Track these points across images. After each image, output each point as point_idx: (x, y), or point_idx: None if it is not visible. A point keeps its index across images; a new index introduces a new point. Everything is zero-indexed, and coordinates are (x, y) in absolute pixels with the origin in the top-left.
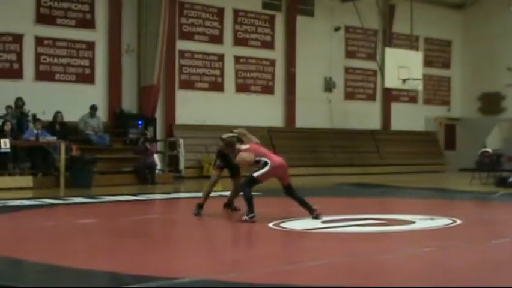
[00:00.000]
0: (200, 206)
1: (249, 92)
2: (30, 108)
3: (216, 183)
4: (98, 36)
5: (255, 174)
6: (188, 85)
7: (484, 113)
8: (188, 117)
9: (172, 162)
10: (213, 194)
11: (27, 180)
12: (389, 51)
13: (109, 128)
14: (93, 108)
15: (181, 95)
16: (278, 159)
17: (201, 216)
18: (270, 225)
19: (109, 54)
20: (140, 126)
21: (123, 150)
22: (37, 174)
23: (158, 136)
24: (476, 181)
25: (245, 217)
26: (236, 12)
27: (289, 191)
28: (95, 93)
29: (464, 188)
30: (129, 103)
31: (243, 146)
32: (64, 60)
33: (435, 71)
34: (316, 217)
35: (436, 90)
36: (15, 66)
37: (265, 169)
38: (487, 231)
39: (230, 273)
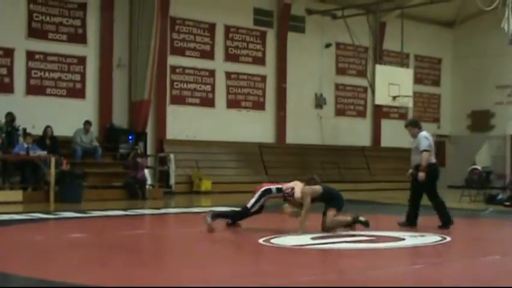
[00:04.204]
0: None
1: (239, 107)
2: (20, 122)
3: None
4: (90, 51)
5: None
6: (179, 100)
7: (474, 131)
8: (179, 132)
9: (162, 177)
10: (203, 209)
11: (17, 195)
12: (379, 68)
13: (100, 142)
14: (87, 123)
15: (172, 110)
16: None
17: (191, 232)
18: (260, 241)
19: (100, 69)
20: (130, 141)
21: (113, 164)
22: (27, 189)
23: (149, 151)
24: (466, 198)
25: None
26: (227, 28)
27: None
28: (86, 108)
29: (454, 205)
30: (120, 118)
31: None
32: (55, 75)
33: (425, 88)
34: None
35: (426, 108)
36: (6, 80)
37: None
38: (476, 248)
39: None
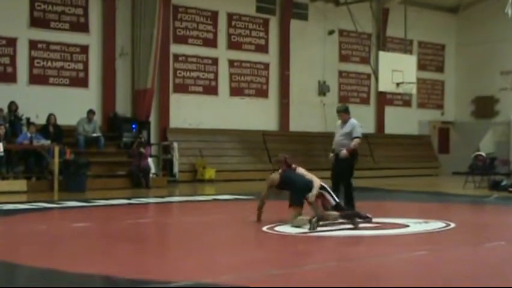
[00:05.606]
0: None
1: (243, 95)
2: (23, 112)
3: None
4: (92, 39)
5: None
6: (182, 89)
7: (478, 117)
8: (183, 120)
9: (166, 165)
10: (207, 197)
11: (21, 184)
12: (382, 55)
13: (103, 131)
14: (90, 112)
15: (175, 99)
16: None
17: (195, 221)
18: (264, 228)
19: (103, 58)
20: (134, 129)
21: (117, 153)
22: (31, 178)
23: (152, 140)
24: (470, 184)
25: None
26: (230, 15)
27: None
28: (89, 97)
29: (458, 192)
30: (123, 107)
31: None
32: (58, 64)
33: (429, 75)
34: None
35: (430, 94)
36: (9, 70)
37: None
38: (480, 234)
39: (224, 276)
